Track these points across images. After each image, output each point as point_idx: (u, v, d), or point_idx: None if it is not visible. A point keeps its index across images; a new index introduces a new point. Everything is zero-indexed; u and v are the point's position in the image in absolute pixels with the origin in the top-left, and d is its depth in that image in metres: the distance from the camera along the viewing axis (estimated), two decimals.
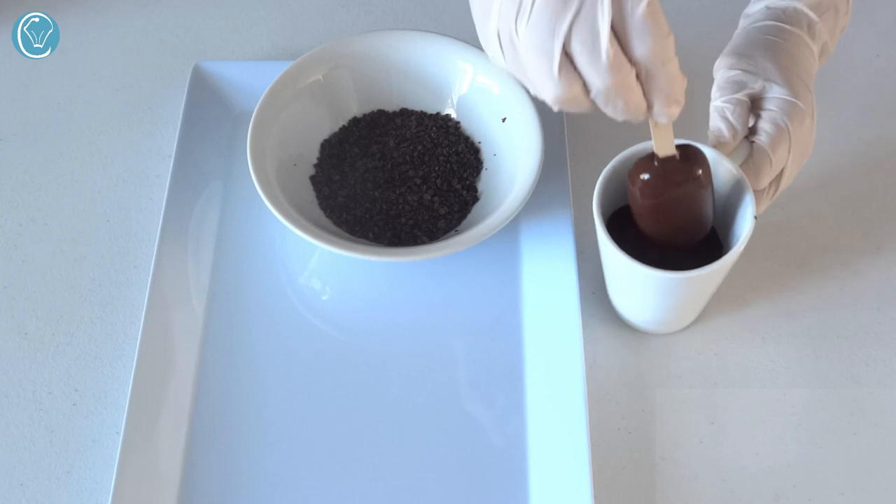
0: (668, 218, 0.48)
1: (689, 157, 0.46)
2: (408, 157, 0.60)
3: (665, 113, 0.41)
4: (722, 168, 0.49)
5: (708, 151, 0.48)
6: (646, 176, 0.46)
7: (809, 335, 0.56)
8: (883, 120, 0.64)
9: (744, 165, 0.48)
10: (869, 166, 0.62)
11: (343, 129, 0.62)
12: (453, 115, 0.62)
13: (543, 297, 0.56)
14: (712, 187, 0.47)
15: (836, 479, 0.51)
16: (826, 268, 0.58)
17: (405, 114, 0.63)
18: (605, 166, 0.49)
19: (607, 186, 0.49)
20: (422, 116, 0.62)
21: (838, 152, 0.63)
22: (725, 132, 0.48)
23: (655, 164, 0.46)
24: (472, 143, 0.61)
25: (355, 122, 0.63)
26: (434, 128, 0.62)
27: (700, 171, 0.46)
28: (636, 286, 0.50)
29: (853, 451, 0.52)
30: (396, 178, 0.59)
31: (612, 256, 0.48)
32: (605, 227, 0.48)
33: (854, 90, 0.66)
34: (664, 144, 0.45)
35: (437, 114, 0.63)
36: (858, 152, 0.63)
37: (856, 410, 0.53)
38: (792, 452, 0.52)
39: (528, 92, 0.58)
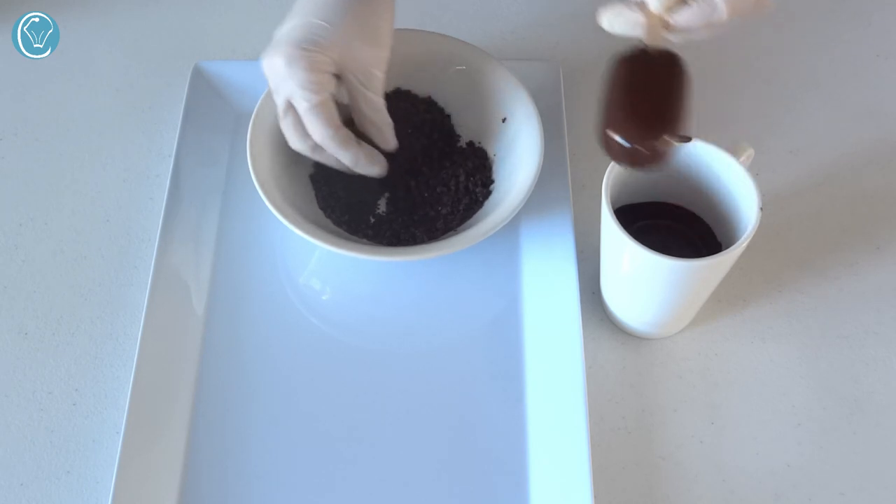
0: (643, 89, 0.47)
1: None
2: (408, 157, 0.60)
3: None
4: (721, 163, 0.49)
5: (702, 146, 0.48)
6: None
7: (809, 335, 0.56)
8: (883, 120, 0.64)
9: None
10: (869, 166, 0.62)
11: None
12: (453, 115, 0.62)
13: (543, 297, 0.56)
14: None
15: (836, 479, 0.51)
16: (826, 268, 0.58)
17: (405, 113, 0.63)
18: (605, 166, 0.49)
19: (616, 178, 0.49)
20: (422, 116, 0.62)
21: (838, 152, 0.63)
22: None
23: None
24: (473, 143, 0.61)
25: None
26: (434, 128, 0.61)
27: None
28: (640, 278, 0.50)
29: (853, 451, 0.52)
30: (396, 178, 0.59)
31: (618, 243, 0.48)
32: (612, 212, 0.48)
33: (854, 90, 0.66)
34: None
35: (437, 114, 0.62)
36: (858, 152, 0.63)
37: (856, 410, 0.53)
38: (792, 452, 0.52)
39: (528, 92, 0.59)
